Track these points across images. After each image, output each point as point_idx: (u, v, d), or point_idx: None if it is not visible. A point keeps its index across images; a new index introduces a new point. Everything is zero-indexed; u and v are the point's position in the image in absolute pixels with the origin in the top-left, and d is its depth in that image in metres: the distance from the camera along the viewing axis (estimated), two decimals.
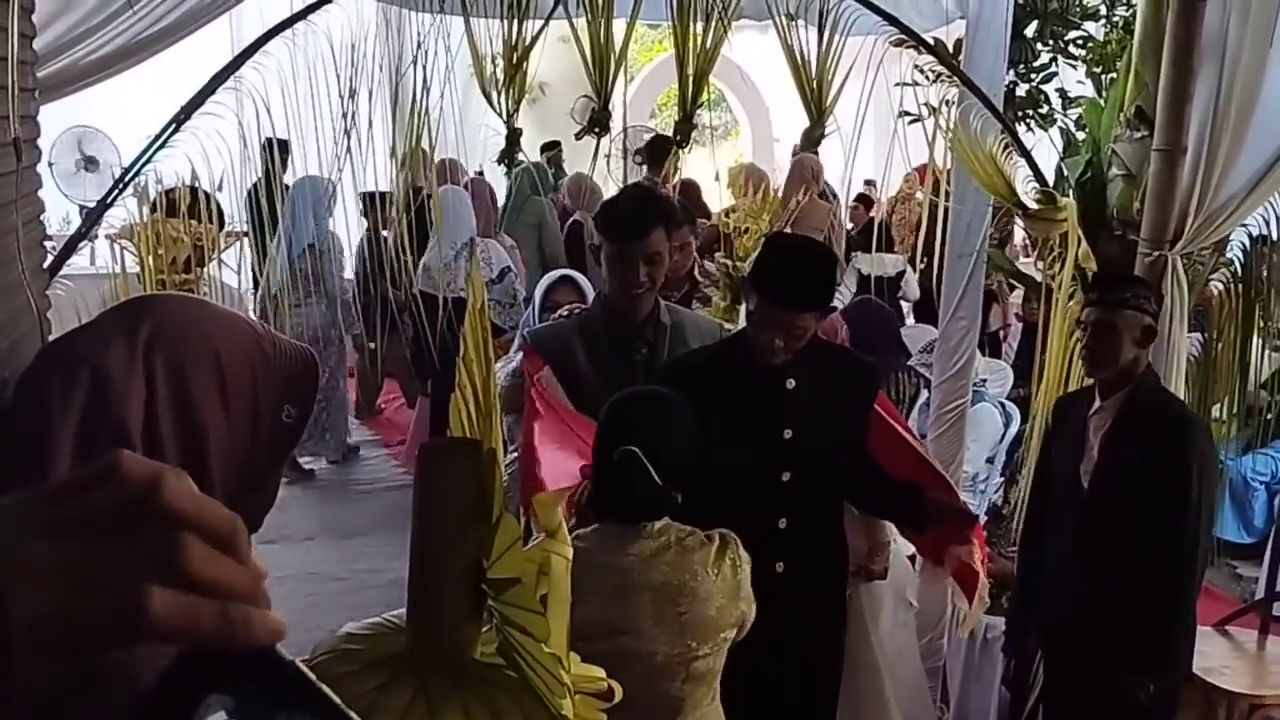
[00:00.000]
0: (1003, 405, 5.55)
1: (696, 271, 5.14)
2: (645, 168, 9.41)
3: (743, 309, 4.97)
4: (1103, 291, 3.17)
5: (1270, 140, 3.53)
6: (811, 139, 3.48)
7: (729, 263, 5.32)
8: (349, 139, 3.70)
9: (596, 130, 3.49)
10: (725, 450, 2.69)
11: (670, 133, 5.77)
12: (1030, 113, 4.87)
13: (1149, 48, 3.61)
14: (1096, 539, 3.19)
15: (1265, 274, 4.25)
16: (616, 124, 10.74)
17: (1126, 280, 3.26)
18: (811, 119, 3.45)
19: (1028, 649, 3.64)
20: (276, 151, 4.19)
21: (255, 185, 3.57)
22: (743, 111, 13.94)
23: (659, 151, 7.38)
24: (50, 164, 8.32)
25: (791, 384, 2.76)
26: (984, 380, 6.09)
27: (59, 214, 8.00)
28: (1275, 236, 4.32)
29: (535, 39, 3.45)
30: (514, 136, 3.52)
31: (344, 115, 3.59)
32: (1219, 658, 3.84)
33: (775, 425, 2.76)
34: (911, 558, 4.41)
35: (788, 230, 5.37)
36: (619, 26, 3.52)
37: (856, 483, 2.96)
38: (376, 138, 3.87)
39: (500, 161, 3.55)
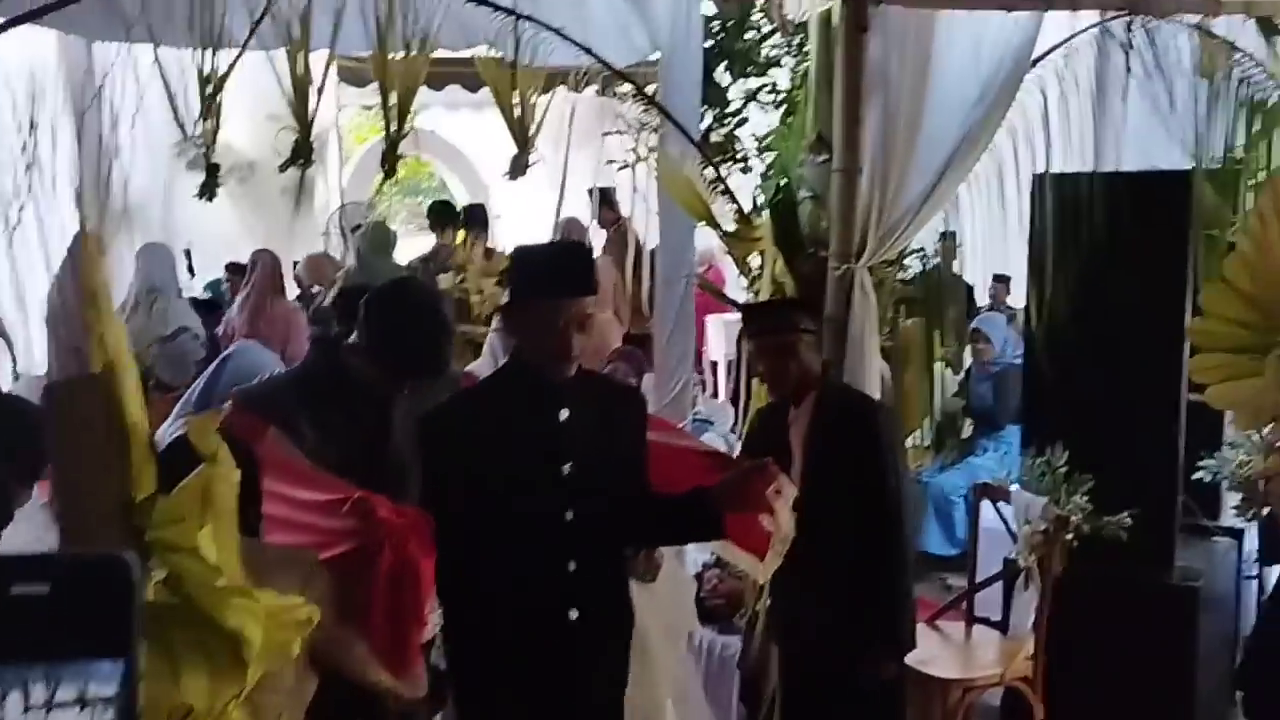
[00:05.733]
0: (726, 440, 5.76)
1: None
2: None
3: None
4: (751, 322, 3.42)
5: (935, 158, 3.88)
6: (519, 166, 3.54)
7: (470, 330, 5.29)
8: (30, 176, 3.47)
9: (301, 162, 3.42)
10: (503, 492, 2.59)
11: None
12: (727, 156, 5.17)
13: (823, 78, 3.91)
14: (814, 539, 3.31)
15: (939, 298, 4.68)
16: (334, 200, 10.68)
17: (764, 308, 3.50)
18: (519, 145, 3.52)
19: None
20: None
21: None
22: (465, 194, 14.05)
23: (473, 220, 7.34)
24: None
25: (565, 415, 2.64)
26: (709, 421, 6.32)
27: None
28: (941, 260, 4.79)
29: (231, 68, 3.37)
30: (213, 170, 3.40)
31: (22, 148, 3.37)
32: (932, 650, 4.07)
33: (553, 461, 2.64)
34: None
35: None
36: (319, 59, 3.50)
37: (640, 518, 2.83)
38: (60, 177, 3.66)
39: (200, 195, 3.42)
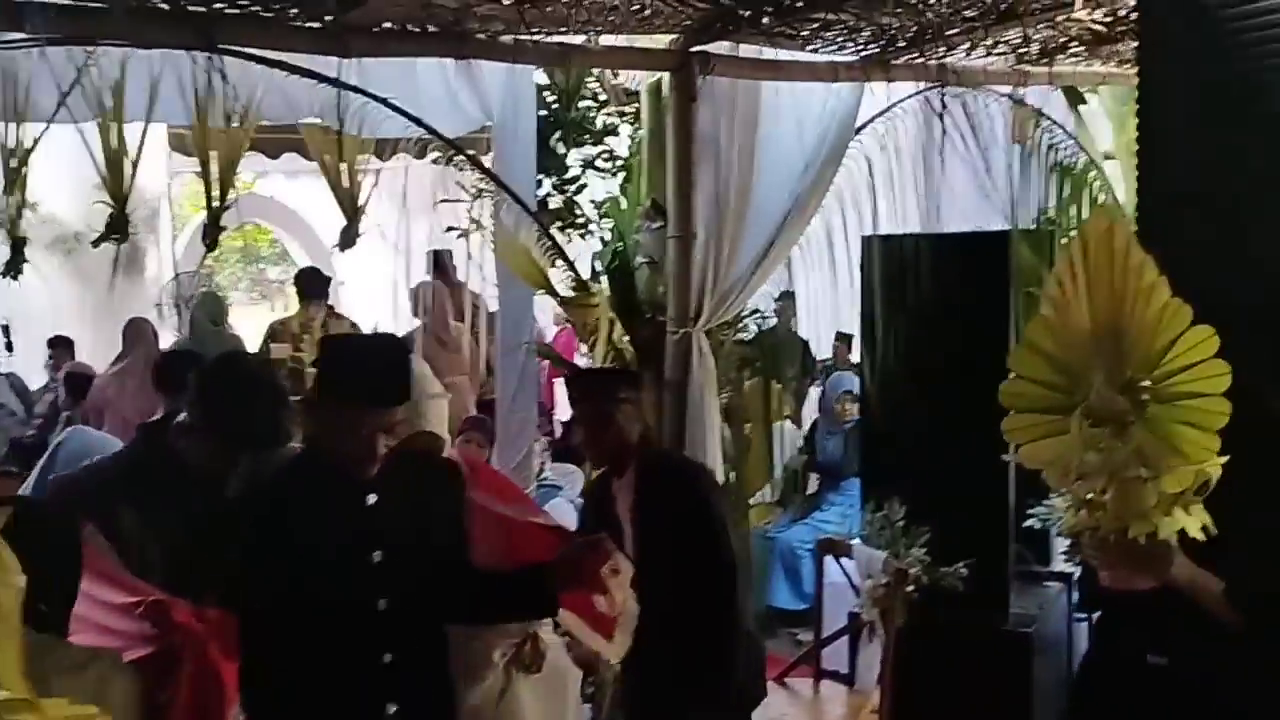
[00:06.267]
0: (575, 504, 5.72)
1: None
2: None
3: None
4: (571, 390, 3.40)
5: (767, 224, 3.99)
6: (349, 237, 3.48)
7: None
8: None
9: (116, 236, 3.30)
10: (309, 585, 2.44)
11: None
12: (566, 221, 5.22)
13: (656, 146, 3.98)
14: (651, 605, 3.28)
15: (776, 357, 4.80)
16: (166, 270, 10.33)
17: (583, 376, 3.51)
18: (347, 216, 3.47)
19: None
20: None
21: None
22: (307, 261, 13.79)
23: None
24: None
25: (373, 499, 2.51)
26: (558, 486, 6.27)
27: None
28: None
29: (37, 141, 3.24)
30: (18, 246, 3.24)
31: None
32: (780, 708, 4.11)
33: (362, 548, 2.50)
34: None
35: None
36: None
37: (464, 599, 2.71)
38: None
39: (5, 273, 3.26)
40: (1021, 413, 2.11)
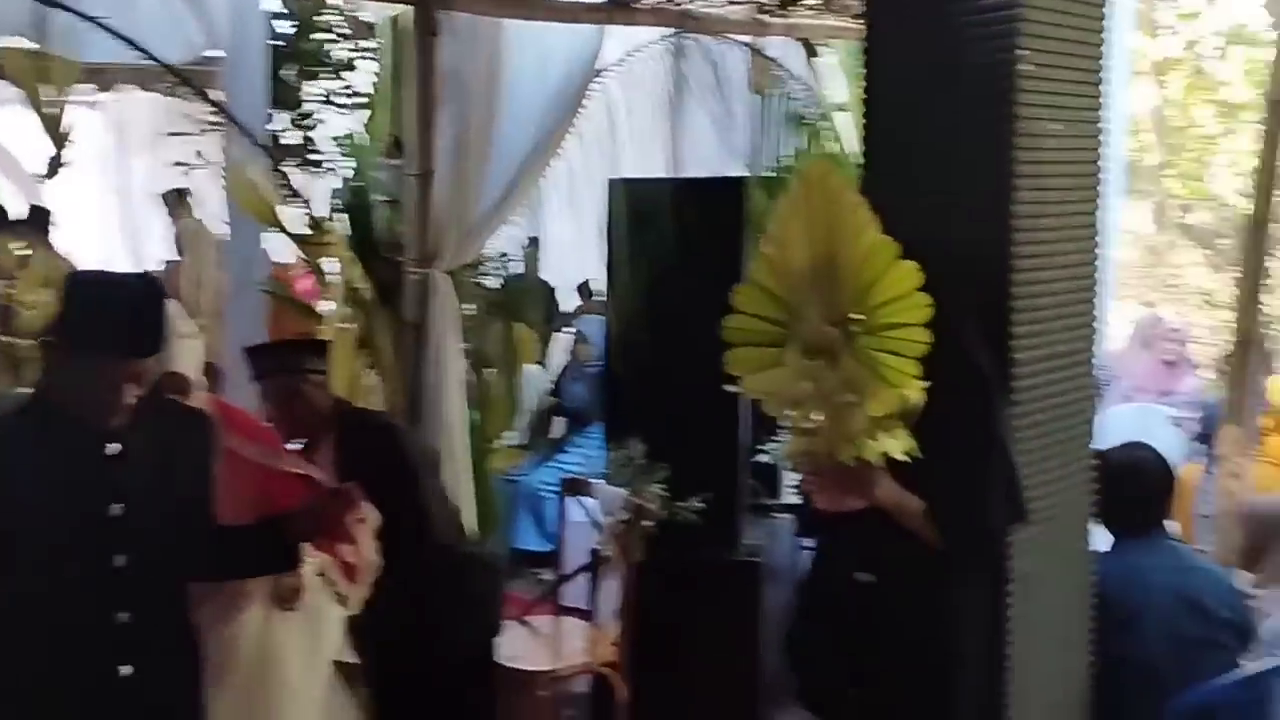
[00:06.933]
0: None
1: None
2: None
3: None
4: (255, 364, 3.28)
5: (509, 163, 3.97)
6: (55, 166, 3.23)
7: (11, 342, 4.74)
8: None
9: None
10: (38, 534, 2.26)
11: None
12: (302, 158, 5.01)
13: (397, 82, 3.88)
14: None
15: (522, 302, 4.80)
16: None
17: (267, 350, 3.40)
18: (54, 144, 3.21)
19: None
20: None
21: None
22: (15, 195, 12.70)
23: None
24: None
25: (115, 449, 2.35)
26: None
27: None
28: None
29: None
30: None
31: None
32: (521, 647, 4.16)
33: (99, 500, 2.34)
34: None
35: None
36: None
37: (206, 554, 2.56)
38: None
39: None
40: (744, 347, 2.20)
